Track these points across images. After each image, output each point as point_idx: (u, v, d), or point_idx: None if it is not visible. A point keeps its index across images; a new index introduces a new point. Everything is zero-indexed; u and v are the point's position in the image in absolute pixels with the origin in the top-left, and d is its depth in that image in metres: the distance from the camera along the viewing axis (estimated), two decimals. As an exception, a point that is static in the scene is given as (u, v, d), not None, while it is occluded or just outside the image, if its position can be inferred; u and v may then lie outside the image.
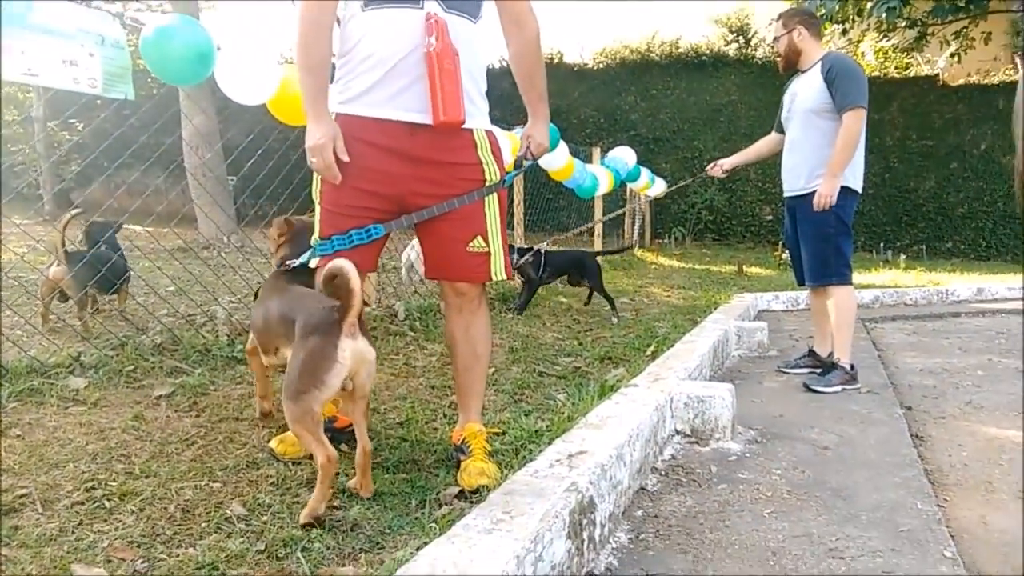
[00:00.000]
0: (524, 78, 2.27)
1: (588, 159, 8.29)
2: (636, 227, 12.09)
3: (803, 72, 3.66)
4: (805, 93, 3.59)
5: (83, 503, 1.84)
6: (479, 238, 2.13)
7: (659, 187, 9.31)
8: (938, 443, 2.77)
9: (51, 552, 1.59)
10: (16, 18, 2.24)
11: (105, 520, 1.76)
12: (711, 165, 4.27)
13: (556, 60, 15.14)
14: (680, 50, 15.31)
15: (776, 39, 3.72)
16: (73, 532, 1.69)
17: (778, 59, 3.77)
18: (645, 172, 8.42)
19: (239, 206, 8.62)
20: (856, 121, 3.37)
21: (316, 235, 2.16)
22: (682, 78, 15.02)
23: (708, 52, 15.22)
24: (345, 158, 2.02)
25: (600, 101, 14.96)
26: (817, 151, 3.53)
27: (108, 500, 1.86)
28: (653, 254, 11.48)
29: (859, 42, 14.77)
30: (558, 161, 5.60)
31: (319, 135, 1.98)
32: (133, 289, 4.51)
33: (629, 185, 9.12)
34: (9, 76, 2.22)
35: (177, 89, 8.60)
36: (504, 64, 14.51)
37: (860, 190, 3.59)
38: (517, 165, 2.40)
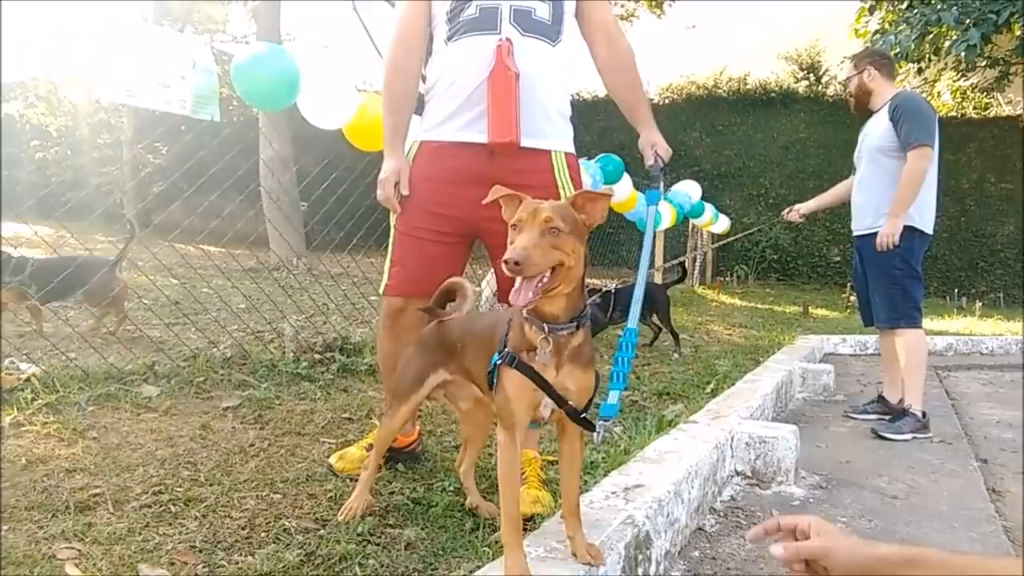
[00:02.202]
0: (627, 91, 2.32)
1: (651, 193, 8.25)
2: (697, 263, 11.92)
3: (875, 112, 3.63)
4: (873, 132, 3.58)
5: (151, 506, 1.91)
6: None
7: (722, 224, 9.20)
8: (1017, 499, 2.61)
9: (120, 550, 1.65)
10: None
11: (170, 524, 1.82)
12: (787, 210, 4.29)
13: (622, 95, 15.18)
14: (748, 86, 15.19)
15: (847, 79, 3.74)
16: (140, 533, 1.75)
17: (849, 100, 3.77)
18: (709, 208, 8.34)
19: (308, 231, 8.89)
20: (920, 160, 3.31)
21: (388, 260, 2.22)
22: (749, 114, 14.86)
23: (777, 89, 15.05)
24: (405, 192, 2.15)
25: (664, 136, 14.70)
26: (883, 190, 3.48)
27: (174, 505, 1.92)
28: (714, 291, 11.28)
29: (935, 81, 14.36)
30: (621, 193, 5.60)
31: (386, 170, 2.16)
32: (207, 303, 4.68)
33: (692, 221, 9.04)
34: (111, 97, 2.38)
35: (255, 117, 9.01)
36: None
37: (930, 232, 3.51)
38: (652, 178, 2.40)
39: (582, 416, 1.52)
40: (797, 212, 4.22)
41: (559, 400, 1.49)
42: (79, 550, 1.64)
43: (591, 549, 1.55)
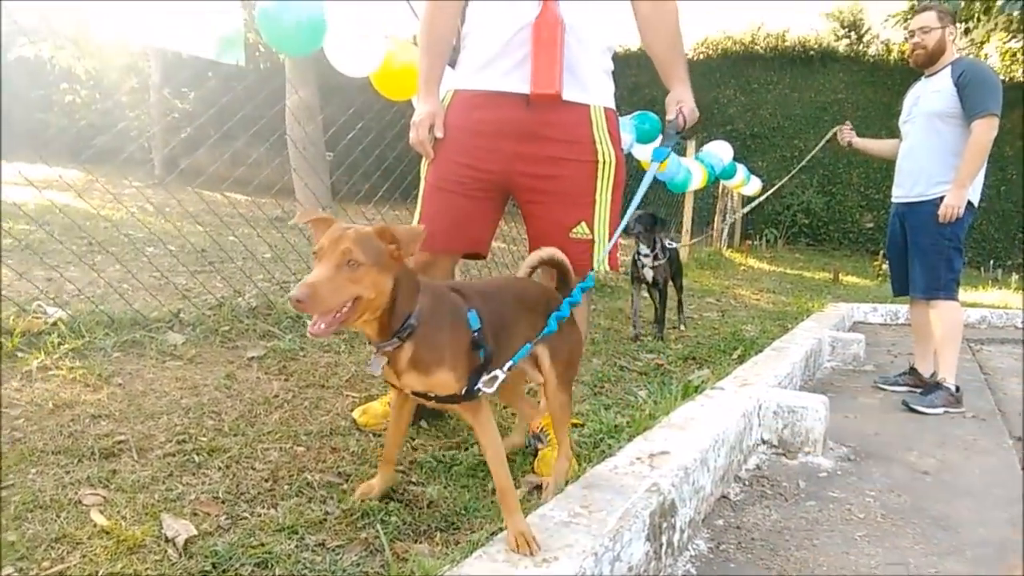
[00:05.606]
0: (666, 48, 2.20)
1: (682, 152, 8.06)
2: (726, 226, 11.72)
3: (928, 76, 3.45)
4: (931, 97, 3.40)
5: (174, 455, 1.91)
6: (583, 224, 2.07)
7: (754, 186, 9.00)
8: (1053, 480, 2.55)
9: (143, 499, 1.66)
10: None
11: (194, 474, 1.82)
12: (845, 125, 4.06)
13: (655, 50, 14.82)
14: (787, 43, 14.75)
15: (925, 31, 3.41)
16: (164, 482, 1.76)
17: (919, 52, 3.44)
18: (741, 169, 8.14)
19: (333, 181, 8.84)
20: (988, 130, 3.19)
21: (417, 213, 2.16)
22: (787, 72, 14.45)
23: (817, 47, 14.58)
24: (439, 134, 2.07)
25: (698, 93, 13.85)
26: (939, 158, 3.35)
27: (197, 454, 1.92)
28: (742, 255, 11.11)
29: (983, 43, 13.79)
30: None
31: (420, 113, 2.07)
32: (232, 252, 4.67)
33: (723, 182, 8.84)
34: (138, 39, 2.32)
35: (281, 65, 8.90)
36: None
37: (977, 204, 3.38)
38: (666, 134, 2.27)
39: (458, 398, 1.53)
40: (852, 136, 3.96)
41: (419, 395, 1.55)
42: (104, 496, 1.64)
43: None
